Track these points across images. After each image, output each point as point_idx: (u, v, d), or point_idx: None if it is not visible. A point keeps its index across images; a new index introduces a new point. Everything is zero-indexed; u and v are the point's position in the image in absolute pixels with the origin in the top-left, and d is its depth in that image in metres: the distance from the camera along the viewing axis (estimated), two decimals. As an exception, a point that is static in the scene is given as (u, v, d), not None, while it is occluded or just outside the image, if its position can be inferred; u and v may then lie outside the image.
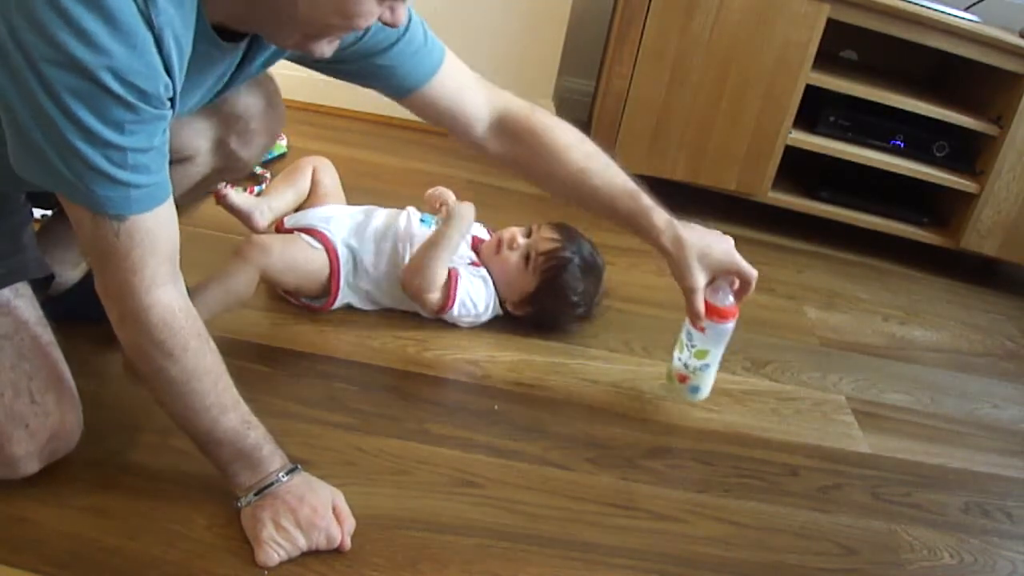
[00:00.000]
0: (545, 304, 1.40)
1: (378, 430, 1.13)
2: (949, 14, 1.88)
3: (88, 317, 1.12)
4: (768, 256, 2.01)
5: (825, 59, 1.94)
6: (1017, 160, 1.96)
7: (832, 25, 1.85)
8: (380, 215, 1.42)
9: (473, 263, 1.42)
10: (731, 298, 1.19)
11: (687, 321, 1.21)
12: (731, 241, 1.17)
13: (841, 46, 2.27)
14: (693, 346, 1.22)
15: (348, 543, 0.92)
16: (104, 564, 0.86)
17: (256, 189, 1.71)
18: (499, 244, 1.41)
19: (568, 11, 2.20)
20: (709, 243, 1.15)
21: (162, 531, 0.90)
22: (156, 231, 0.79)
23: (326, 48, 0.82)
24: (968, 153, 2.04)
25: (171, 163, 1.08)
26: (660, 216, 1.15)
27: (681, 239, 1.14)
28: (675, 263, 1.15)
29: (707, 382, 1.25)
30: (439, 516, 1.01)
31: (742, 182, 2.03)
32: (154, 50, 0.71)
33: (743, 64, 1.90)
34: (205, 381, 0.86)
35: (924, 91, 2.10)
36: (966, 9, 2.01)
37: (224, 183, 1.28)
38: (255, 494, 0.91)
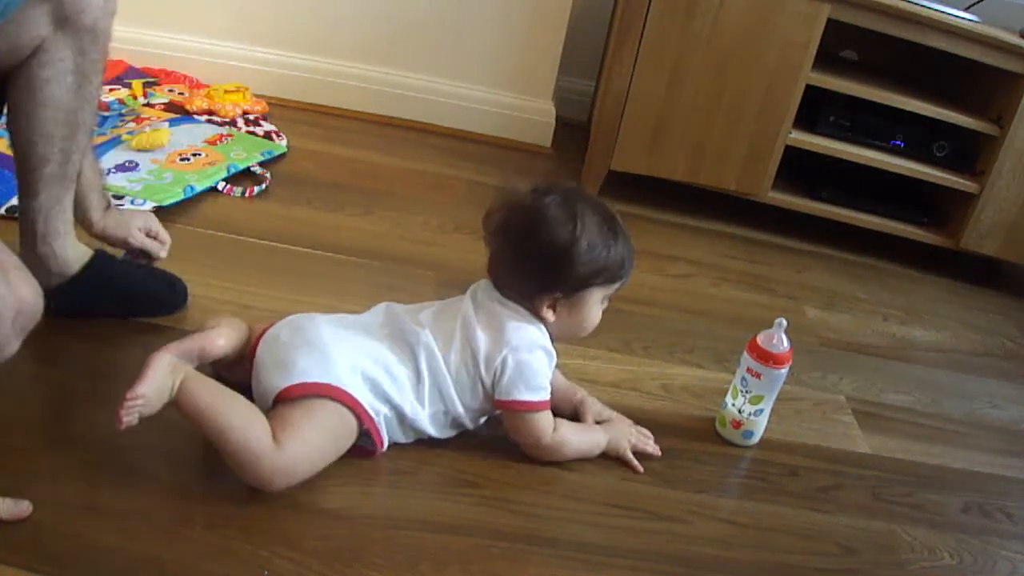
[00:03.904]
0: None
1: (378, 430, 1.13)
2: (949, 14, 1.88)
3: (87, 310, 1.11)
4: (768, 256, 2.01)
5: (825, 59, 1.94)
6: (1017, 160, 1.96)
7: (832, 25, 1.85)
8: None
9: None
10: (786, 343, 1.19)
11: (741, 367, 1.22)
12: None
13: (841, 46, 2.27)
14: (748, 392, 1.22)
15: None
16: (103, 564, 0.86)
17: (256, 189, 1.71)
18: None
19: (568, 11, 2.20)
20: None
21: (162, 531, 0.90)
22: None
23: None
24: (968, 153, 2.04)
25: (28, 65, 0.98)
26: None
27: None
28: None
29: (760, 426, 1.26)
30: (439, 516, 1.01)
31: (742, 182, 2.03)
32: None
33: (743, 64, 1.90)
34: None
35: (924, 91, 2.10)
36: (966, 9, 2.01)
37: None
38: None
